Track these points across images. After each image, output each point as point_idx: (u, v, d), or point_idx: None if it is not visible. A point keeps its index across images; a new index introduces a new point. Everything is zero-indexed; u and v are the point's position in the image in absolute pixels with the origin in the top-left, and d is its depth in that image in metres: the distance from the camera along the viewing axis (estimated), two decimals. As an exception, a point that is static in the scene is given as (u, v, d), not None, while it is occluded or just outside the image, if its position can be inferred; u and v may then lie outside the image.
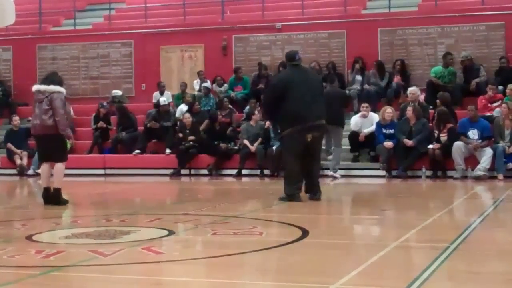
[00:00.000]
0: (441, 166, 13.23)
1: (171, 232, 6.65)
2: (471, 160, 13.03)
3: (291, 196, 9.04)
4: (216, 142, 15.01)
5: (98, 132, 16.53)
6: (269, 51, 17.53)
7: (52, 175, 9.21)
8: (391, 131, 13.72)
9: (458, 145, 12.98)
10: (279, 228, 7.13)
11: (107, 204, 10.36)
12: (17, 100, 18.60)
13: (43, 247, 5.96)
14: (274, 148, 13.90)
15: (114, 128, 16.68)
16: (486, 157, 12.80)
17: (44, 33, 19.72)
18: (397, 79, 15.81)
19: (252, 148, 14.48)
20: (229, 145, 15.06)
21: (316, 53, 17.15)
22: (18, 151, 15.97)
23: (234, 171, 14.50)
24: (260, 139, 14.52)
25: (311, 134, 8.95)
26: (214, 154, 14.91)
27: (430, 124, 13.75)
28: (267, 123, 14.25)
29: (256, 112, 14.91)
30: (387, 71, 16.12)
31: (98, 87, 18.82)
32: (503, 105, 13.56)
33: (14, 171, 15.77)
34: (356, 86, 16.03)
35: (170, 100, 16.87)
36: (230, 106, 16.18)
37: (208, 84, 17.02)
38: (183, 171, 14.96)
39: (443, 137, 13.26)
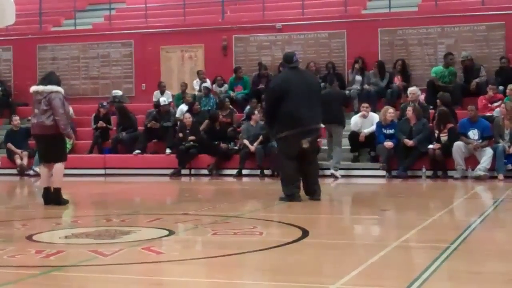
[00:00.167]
0: (441, 166, 13.23)
1: (171, 232, 6.64)
2: (471, 160, 13.03)
3: (290, 196, 9.03)
4: (216, 142, 15.01)
5: (98, 132, 16.54)
6: (269, 51, 17.53)
7: (52, 175, 9.21)
8: (391, 131, 13.72)
9: (458, 145, 12.99)
10: (279, 228, 7.13)
11: (107, 204, 10.36)
12: (17, 100, 18.60)
13: (43, 247, 5.96)
14: (274, 146, 13.88)
15: (114, 128, 16.69)
16: (486, 157, 12.80)
17: (44, 33, 19.73)
18: (397, 79, 15.82)
19: (252, 148, 14.48)
20: (229, 145, 15.06)
21: (316, 53, 17.16)
22: (18, 151, 15.97)
23: (234, 171, 14.50)
24: (260, 139, 14.51)
25: (306, 139, 8.94)
26: (214, 154, 14.92)
27: (430, 124, 13.75)
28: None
29: (256, 112, 14.90)
30: (387, 71, 16.13)
31: (98, 87, 18.83)
32: (502, 105, 13.57)
33: (14, 171, 15.77)
34: (356, 86, 16.03)
35: (170, 100, 16.88)
36: (230, 106, 16.18)
37: (208, 84, 17.03)
38: (183, 171, 14.96)
39: (443, 137, 13.26)
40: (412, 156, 13.32)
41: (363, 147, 14.28)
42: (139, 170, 15.29)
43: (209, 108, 16.42)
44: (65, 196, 9.21)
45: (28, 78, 17.37)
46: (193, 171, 15.15)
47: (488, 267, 5.16)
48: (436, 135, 13.39)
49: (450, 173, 13.10)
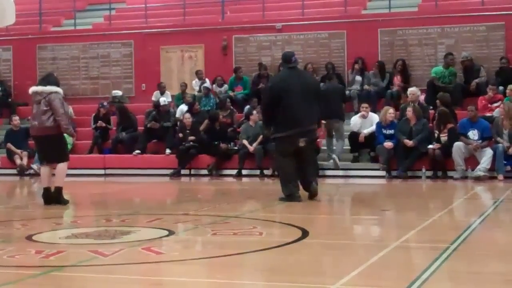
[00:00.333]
0: (441, 166, 13.23)
1: (171, 232, 6.64)
2: (471, 160, 13.03)
3: (289, 196, 9.03)
4: (216, 142, 15.01)
5: (98, 132, 16.55)
6: (269, 51, 17.53)
7: (53, 175, 9.23)
8: (391, 131, 13.72)
9: (458, 145, 12.99)
10: (279, 228, 7.13)
11: (107, 204, 10.36)
12: (17, 100, 18.60)
13: (43, 247, 5.96)
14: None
15: (114, 128, 16.69)
16: (486, 157, 12.80)
17: (44, 33, 19.73)
18: (397, 79, 15.81)
19: (251, 148, 14.48)
20: (229, 146, 15.06)
21: (316, 53, 17.16)
22: (18, 151, 15.97)
23: (234, 171, 14.51)
24: (259, 139, 14.50)
25: (303, 139, 8.96)
26: (214, 154, 14.92)
27: (430, 125, 13.75)
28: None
29: (254, 112, 14.89)
30: (387, 72, 16.13)
31: (98, 87, 18.83)
32: (501, 105, 13.57)
33: (14, 171, 15.77)
34: (356, 87, 16.04)
35: (170, 100, 16.87)
36: (231, 106, 16.18)
37: (207, 84, 17.03)
38: (183, 171, 14.96)
39: (443, 138, 13.27)
40: (412, 157, 13.32)
41: (363, 147, 14.28)
42: (139, 170, 15.29)
43: (209, 108, 16.43)
44: (65, 196, 9.20)
45: (28, 78, 17.37)
46: (193, 171, 15.15)
47: (488, 267, 5.16)
48: (436, 135, 13.39)
49: (450, 173, 13.10)
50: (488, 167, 12.76)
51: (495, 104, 14.29)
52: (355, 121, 14.42)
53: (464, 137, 13.14)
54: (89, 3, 21.39)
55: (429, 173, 13.18)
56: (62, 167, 9.14)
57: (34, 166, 14.85)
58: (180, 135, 15.24)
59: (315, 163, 13.46)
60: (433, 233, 6.68)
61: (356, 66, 16.23)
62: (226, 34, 17.81)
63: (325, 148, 14.32)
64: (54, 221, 7.96)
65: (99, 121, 16.67)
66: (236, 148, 14.97)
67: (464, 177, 12.83)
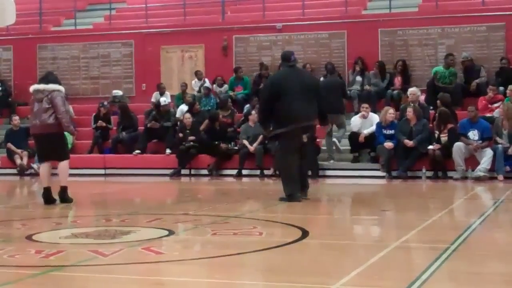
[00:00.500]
0: (441, 166, 13.22)
1: (171, 232, 6.65)
2: (471, 160, 13.02)
3: (291, 196, 9.03)
4: (216, 142, 15.01)
5: (98, 132, 16.54)
6: (270, 51, 17.52)
7: (52, 174, 9.23)
8: (391, 131, 13.71)
9: (458, 145, 12.98)
10: (279, 228, 7.12)
11: (107, 204, 10.36)
12: (17, 100, 18.60)
13: (43, 247, 5.96)
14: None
15: (114, 128, 16.69)
16: (486, 158, 12.80)
17: (45, 33, 19.72)
18: (398, 80, 15.81)
19: (251, 148, 14.47)
20: (229, 145, 15.06)
21: (317, 53, 17.16)
22: (18, 150, 15.97)
23: (234, 171, 14.50)
24: (260, 139, 14.49)
25: (305, 135, 9.01)
26: (214, 154, 14.91)
27: (430, 125, 13.75)
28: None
29: (253, 112, 14.88)
30: (387, 72, 16.12)
31: (98, 87, 18.82)
32: (501, 106, 13.56)
33: (14, 171, 15.77)
34: (357, 87, 16.04)
35: (169, 100, 16.87)
36: (232, 107, 16.19)
37: (207, 84, 17.02)
38: (183, 171, 14.95)
39: (444, 138, 13.26)
40: (412, 157, 13.32)
41: (363, 147, 14.27)
42: (139, 170, 15.29)
43: (209, 108, 16.42)
44: (65, 195, 9.23)
45: (28, 78, 17.35)
46: (193, 171, 15.15)
47: (488, 267, 5.16)
48: (436, 135, 13.39)
49: (450, 173, 13.09)
50: (488, 167, 12.75)
51: (495, 105, 14.29)
52: (355, 121, 14.42)
53: (464, 137, 13.13)
54: (89, 3, 21.39)
55: (429, 174, 13.18)
56: (64, 166, 9.16)
57: (35, 165, 14.84)
58: (180, 135, 15.24)
59: (315, 163, 13.54)
60: (433, 234, 6.68)
61: (357, 67, 16.22)
62: (227, 34, 17.81)
63: (325, 148, 14.32)
64: (54, 220, 7.96)
65: (100, 121, 16.67)
66: (236, 148, 14.97)
67: (464, 178, 12.83)
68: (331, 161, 14.11)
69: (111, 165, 15.77)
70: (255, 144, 14.51)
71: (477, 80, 15.24)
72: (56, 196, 9.19)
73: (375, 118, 14.23)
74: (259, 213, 8.55)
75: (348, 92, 15.66)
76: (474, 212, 8.50)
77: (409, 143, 13.29)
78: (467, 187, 11.93)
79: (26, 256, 5.58)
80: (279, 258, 5.52)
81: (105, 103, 17.10)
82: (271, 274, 4.98)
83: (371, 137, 13.98)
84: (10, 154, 16.11)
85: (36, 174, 14.54)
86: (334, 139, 14.00)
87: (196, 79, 17.35)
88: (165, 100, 16.41)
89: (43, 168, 9.26)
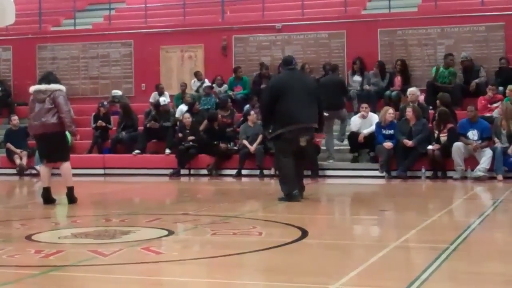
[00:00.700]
0: (440, 166, 13.22)
1: (170, 232, 6.65)
2: (471, 160, 13.02)
3: (289, 195, 9.05)
4: (215, 142, 15.01)
5: (98, 132, 16.54)
6: (269, 51, 17.52)
7: (52, 174, 9.23)
8: (391, 131, 13.71)
9: (457, 145, 12.98)
10: (279, 228, 7.12)
11: (107, 204, 10.36)
12: (16, 100, 18.59)
13: (42, 246, 5.96)
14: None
15: (114, 128, 16.69)
16: (485, 157, 12.80)
17: (44, 33, 19.71)
18: (398, 79, 15.81)
19: (252, 148, 14.47)
20: (229, 145, 15.06)
21: (316, 53, 17.16)
22: (18, 150, 15.97)
23: (234, 171, 14.50)
24: (259, 139, 14.48)
25: (304, 138, 9.05)
26: (213, 154, 14.91)
27: (430, 125, 13.75)
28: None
29: (252, 112, 14.88)
30: (387, 72, 16.13)
31: (98, 87, 18.82)
32: (500, 105, 13.56)
33: (13, 171, 15.77)
34: (356, 87, 16.04)
35: (168, 100, 16.87)
36: (231, 107, 16.19)
37: (207, 83, 17.01)
38: (182, 171, 14.95)
39: (443, 138, 13.26)
40: (411, 157, 13.31)
41: (363, 147, 14.27)
42: (138, 170, 15.29)
43: (209, 107, 16.42)
44: (64, 195, 9.22)
45: (27, 78, 17.37)
46: (192, 171, 15.14)
47: (488, 267, 5.16)
48: (435, 135, 13.39)
49: (449, 173, 13.09)
50: (488, 167, 12.76)
51: (495, 105, 14.29)
52: (354, 121, 14.42)
53: (463, 137, 13.13)
54: (89, 3, 21.38)
55: (429, 173, 13.18)
56: (66, 167, 9.15)
57: (37, 167, 14.82)
58: (180, 135, 15.24)
59: (315, 163, 13.55)
60: (433, 233, 6.69)
61: (355, 67, 16.22)
62: (226, 34, 17.81)
63: (325, 148, 14.32)
64: (53, 220, 7.96)
65: (99, 121, 16.67)
66: (236, 148, 14.97)
67: (464, 177, 12.83)
68: (331, 161, 14.12)
69: (110, 165, 15.76)
70: (255, 144, 14.51)
71: (476, 80, 15.25)
72: (56, 196, 9.20)
73: (374, 118, 14.23)
74: (258, 213, 8.56)
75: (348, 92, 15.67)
76: (474, 212, 8.50)
77: (408, 143, 13.29)
78: (466, 187, 11.94)
79: (26, 256, 5.58)
80: (278, 258, 5.52)
81: (105, 103, 17.10)
82: (270, 274, 4.98)
83: (370, 137, 13.98)
84: (10, 154, 16.11)
85: (36, 175, 14.53)
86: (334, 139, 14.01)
87: (195, 79, 17.34)
88: (164, 100, 16.41)
89: (44, 168, 9.25)
